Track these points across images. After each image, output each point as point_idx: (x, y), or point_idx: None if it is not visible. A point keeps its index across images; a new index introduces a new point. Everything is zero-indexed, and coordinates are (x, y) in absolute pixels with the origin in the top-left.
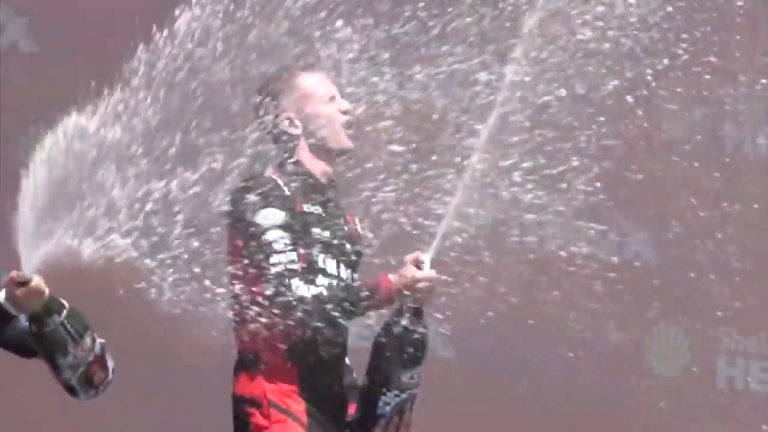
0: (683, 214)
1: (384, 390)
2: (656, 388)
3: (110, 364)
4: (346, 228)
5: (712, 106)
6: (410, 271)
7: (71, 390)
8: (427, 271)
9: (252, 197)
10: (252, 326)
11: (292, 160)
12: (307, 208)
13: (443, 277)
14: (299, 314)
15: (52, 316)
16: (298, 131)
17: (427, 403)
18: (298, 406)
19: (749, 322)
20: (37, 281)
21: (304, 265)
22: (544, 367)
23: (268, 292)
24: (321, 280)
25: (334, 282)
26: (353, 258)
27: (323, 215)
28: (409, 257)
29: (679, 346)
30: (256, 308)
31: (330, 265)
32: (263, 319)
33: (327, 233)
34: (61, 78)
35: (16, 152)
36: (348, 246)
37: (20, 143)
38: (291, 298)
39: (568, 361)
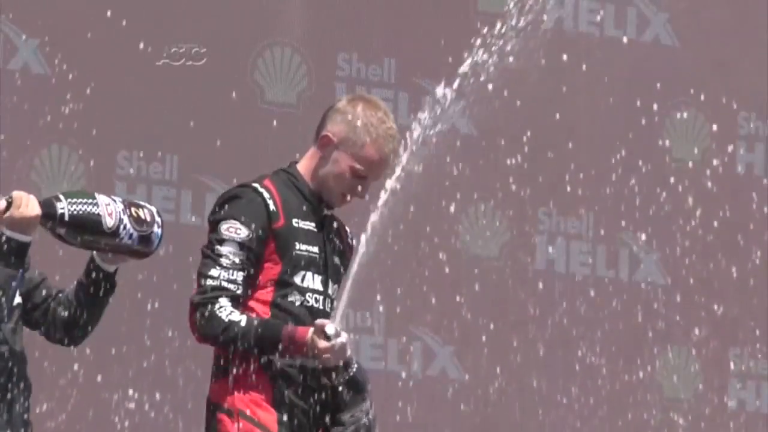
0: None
1: (333, 426)
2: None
3: (142, 202)
4: (338, 242)
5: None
6: (315, 343)
7: (145, 244)
8: (332, 342)
9: (228, 206)
10: None
11: (299, 169)
12: (295, 222)
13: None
14: (218, 332)
15: (55, 208)
16: (320, 153)
17: None
18: (269, 416)
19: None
20: (17, 194)
21: (276, 280)
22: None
23: (196, 300)
24: (295, 296)
25: (320, 297)
26: (341, 270)
27: (314, 231)
28: (317, 323)
29: None
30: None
31: (316, 281)
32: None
33: (315, 249)
34: (71, 99)
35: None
36: (337, 260)
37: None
38: (208, 314)
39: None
